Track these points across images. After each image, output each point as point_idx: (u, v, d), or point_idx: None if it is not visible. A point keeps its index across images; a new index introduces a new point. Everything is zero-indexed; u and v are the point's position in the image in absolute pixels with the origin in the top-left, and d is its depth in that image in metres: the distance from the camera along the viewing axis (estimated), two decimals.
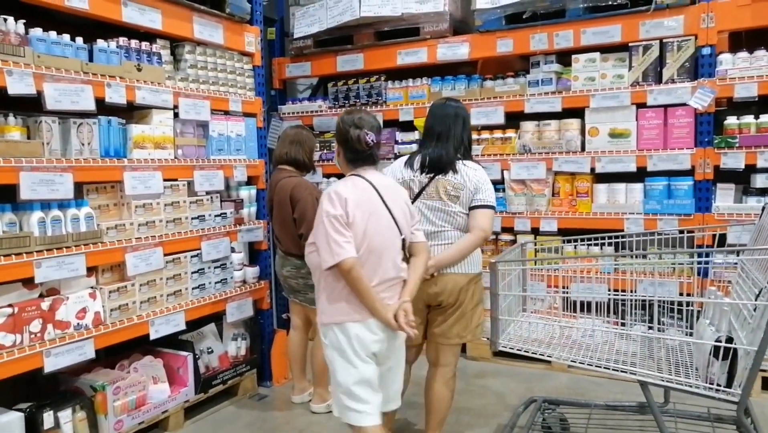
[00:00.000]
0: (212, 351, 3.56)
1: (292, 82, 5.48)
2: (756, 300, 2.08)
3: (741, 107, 3.52)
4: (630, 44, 3.70)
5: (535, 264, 3.05)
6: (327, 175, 4.75)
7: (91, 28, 2.95)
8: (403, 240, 2.30)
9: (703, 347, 2.18)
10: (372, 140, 2.26)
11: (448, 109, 2.67)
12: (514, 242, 4.13)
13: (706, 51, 3.50)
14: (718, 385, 2.09)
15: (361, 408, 2.20)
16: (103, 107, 2.86)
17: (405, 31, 4.39)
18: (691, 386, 2.14)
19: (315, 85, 5.43)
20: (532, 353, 2.48)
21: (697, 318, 2.60)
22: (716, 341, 2.08)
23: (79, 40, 2.78)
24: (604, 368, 2.31)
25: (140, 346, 3.28)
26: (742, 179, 3.55)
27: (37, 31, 2.60)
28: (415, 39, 4.35)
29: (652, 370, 2.27)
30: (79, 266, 2.69)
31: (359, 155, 2.30)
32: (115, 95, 2.87)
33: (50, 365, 2.59)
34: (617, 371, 2.26)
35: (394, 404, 2.42)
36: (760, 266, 2.21)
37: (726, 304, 2.17)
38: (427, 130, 2.72)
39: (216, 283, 3.47)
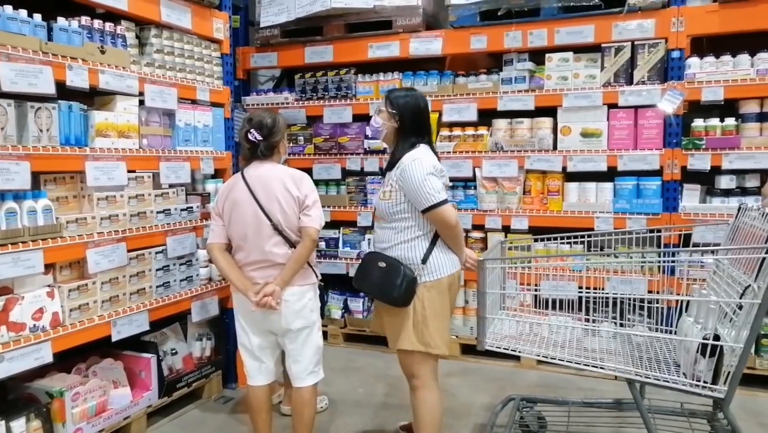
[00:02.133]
0: (176, 352, 3.38)
1: (255, 73, 5.30)
2: (741, 298, 2.12)
3: (706, 110, 3.62)
4: (602, 45, 3.75)
5: (527, 262, 3.02)
6: None
7: (50, 5, 2.72)
8: (275, 225, 2.51)
9: (688, 344, 2.21)
10: (254, 137, 2.54)
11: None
12: (484, 239, 4.13)
13: (675, 54, 3.58)
14: (705, 382, 2.12)
15: (246, 369, 2.69)
16: (62, 92, 2.64)
17: (377, 24, 4.29)
18: (677, 383, 2.17)
19: (279, 76, 5.26)
20: (520, 351, 2.46)
21: (662, 315, 2.66)
22: (704, 338, 2.11)
23: (38, 17, 2.55)
24: (595, 367, 2.31)
25: (97, 348, 3.06)
26: (707, 180, 3.66)
27: None
28: (387, 32, 4.26)
29: (638, 368, 2.28)
30: (36, 262, 2.48)
31: (249, 151, 2.59)
32: (77, 79, 2.66)
33: (2, 371, 2.37)
34: (612, 370, 2.27)
35: (297, 381, 2.64)
36: (741, 266, 2.26)
37: (713, 302, 2.20)
38: (421, 125, 2.56)
39: (181, 281, 3.28)
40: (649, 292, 3.37)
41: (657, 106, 3.60)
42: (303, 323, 2.57)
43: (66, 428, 2.64)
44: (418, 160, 2.41)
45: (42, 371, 2.81)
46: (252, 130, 2.54)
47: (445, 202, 2.39)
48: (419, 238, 2.46)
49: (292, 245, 2.53)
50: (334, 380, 3.71)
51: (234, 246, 2.61)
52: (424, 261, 2.43)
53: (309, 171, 4.49)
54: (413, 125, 2.52)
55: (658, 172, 3.67)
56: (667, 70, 3.63)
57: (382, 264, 2.46)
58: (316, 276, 2.67)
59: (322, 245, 4.52)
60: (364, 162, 4.38)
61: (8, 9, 2.43)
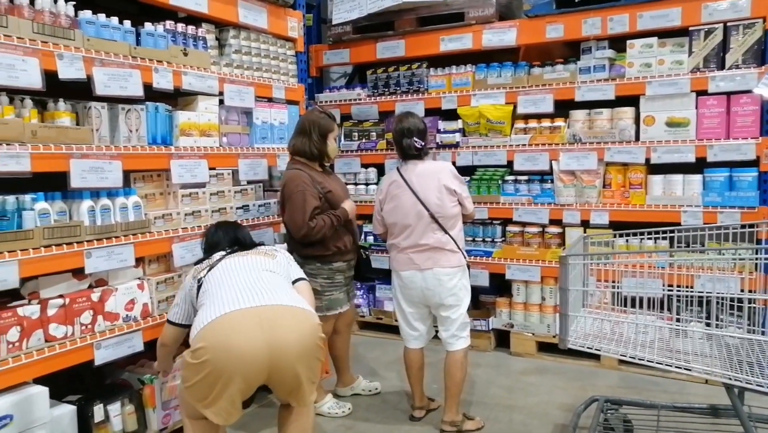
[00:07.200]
0: None
1: (327, 70, 5.37)
2: None
3: None
4: (690, 28, 3.52)
5: (611, 258, 2.89)
6: (365, 165, 4.63)
7: (136, 11, 2.86)
8: (432, 214, 2.88)
9: None
10: (420, 144, 2.97)
11: None
12: (561, 234, 4.00)
13: None
14: None
15: (402, 335, 3.14)
16: (148, 94, 2.76)
17: (448, 16, 4.24)
18: None
19: (351, 72, 5.31)
20: (606, 351, 2.35)
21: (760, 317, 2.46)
22: None
23: (127, 23, 2.69)
24: (688, 370, 2.17)
25: None
26: None
27: (86, 14, 2.51)
28: (459, 24, 4.20)
29: (737, 372, 2.13)
30: (127, 256, 2.62)
31: (414, 155, 2.97)
32: (163, 80, 2.78)
33: (100, 358, 2.52)
34: (708, 374, 2.12)
35: (447, 346, 3.03)
36: None
37: None
38: None
39: None
40: (743, 291, 3.14)
41: (753, 91, 3.35)
42: (454, 300, 2.94)
43: (156, 413, 2.77)
44: None
45: (133, 359, 2.97)
46: (416, 139, 2.92)
47: None
48: None
49: (446, 231, 2.89)
50: (386, 372, 3.73)
51: (395, 232, 2.98)
52: None
53: (381, 166, 4.51)
54: None
55: (754, 163, 3.42)
56: (765, 52, 3.36)
57: None
58: (465, 258, 3.01)
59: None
60: (437, 156, 4.33)
61: (102, 17, 2.56)
